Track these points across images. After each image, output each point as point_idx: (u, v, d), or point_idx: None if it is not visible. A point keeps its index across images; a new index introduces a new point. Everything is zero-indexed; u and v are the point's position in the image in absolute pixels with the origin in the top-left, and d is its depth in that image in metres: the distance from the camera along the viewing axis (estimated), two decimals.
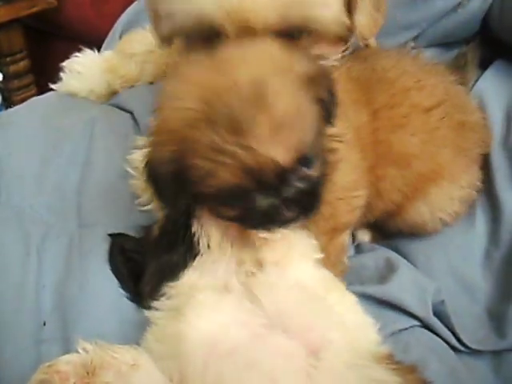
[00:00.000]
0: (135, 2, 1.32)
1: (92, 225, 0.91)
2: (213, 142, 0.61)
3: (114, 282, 0.82)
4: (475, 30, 1.11)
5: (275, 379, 0.61)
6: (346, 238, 0.91)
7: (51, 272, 0.85)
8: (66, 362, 0.62)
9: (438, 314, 0.86)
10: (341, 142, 0.74)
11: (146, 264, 0.76)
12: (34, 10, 1.67)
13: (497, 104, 1.01)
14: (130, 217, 0.92)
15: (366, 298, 0.85)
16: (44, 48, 1.91)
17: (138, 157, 0.95)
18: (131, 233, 0.87)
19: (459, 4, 1.06)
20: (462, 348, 0.84)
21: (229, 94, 0.61)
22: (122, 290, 0.81)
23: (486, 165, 0.98)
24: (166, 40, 0.85)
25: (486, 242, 0.95)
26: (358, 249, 1.02)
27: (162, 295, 0.71)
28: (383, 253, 0.97)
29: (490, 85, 1.05)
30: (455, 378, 0.78)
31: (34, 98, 1.21)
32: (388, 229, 0.99)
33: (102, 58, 1.18)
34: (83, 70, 1.16)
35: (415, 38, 1.10)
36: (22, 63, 1.77)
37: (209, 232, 0.71)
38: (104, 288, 0.81)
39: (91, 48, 1.20)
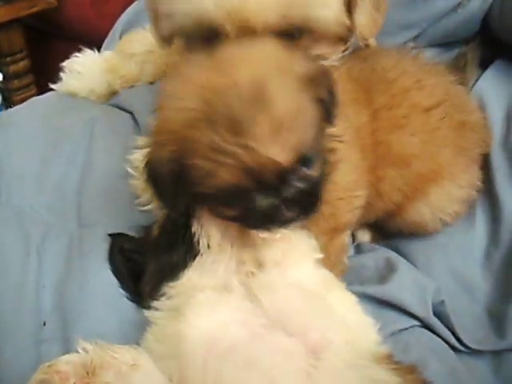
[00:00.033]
0: (135, 2, 1.33)
1: (92, 225, 0.91)
2: (213, 142, 0.61)
3: (113, 282, 0.82)
4: (475, 30, 1.11)
5: (275, 378, 0.61)
6: (346, 238, 0.91)
7: (51, 272, 0.85)
8: (66, 362, 0.62)
9: (438, 314, 0.86)
10: (341, 142, 0.74)
11: (146, 264, 0.76)
12: (34, 9, 1.67)
13: (497, 104, 1.01)
14: (130, 217, 0.92)
15: (365, 297, 0.85)
16: (44, 48, 1.91)
17: (138, 157, 0.95)
18: (131, 233, 0.87)
19: (459, 4, 1.06)
20: (462, 348, 0.84)
21: (229, 94, 0.61)
22: (121, 290, 0.81)
23: (486, 165, 0.98)
24: (166, 40, 0.85)
25: (486, 242, 0.95)
26: (358, 249, 1.02)
27: (162, 295, 0.71)
28: (383, 253, 0.97)
29: (490, 85, 1.05)
30: (455, 378, 0.78)
31: (34, 98, 1.21)
32: (388, 229, 0.99)
33: (102, 57, 1.18)
34: (83, 69, 1.16)
35: (415, 38, 1.11)
36: (22, 63, 1.77)
37: (209, 232, 0.71)
38: (104, 288, 0.81)
39: (91, 48, 1.20)
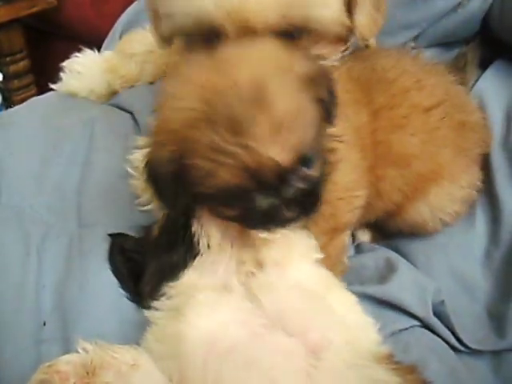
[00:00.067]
0: (135, 2, 1.33)
1: (92, 225, 0.91)
2: (213, 142, 0.61)
3: (113, 282, 0.82)
4: (475, 30, 1.11)
5: (275, 378, 0.61)
6: (346, 238, 0.91)
7: (51, 272, 0.85)
8: (66, 362, 0.62)
9: (438, 314, 0.86)
10: (341, 141, 0.74)
11: (146, 264, 0.76)
12: (34, 9, 1.67)
13: (497, 104, 1.01)
14: (130, 217, 0.92)
15: (366, 298, 0.85)
16: (44, 48, 1.91)
17: (138, 157, 0.96)
18: (131, 233, 0.87)
19: (459, 4, 1.06)
20: (462, 348, 0.84)
21: (229, 94, 0.61)
22: (121, 290, 0.81)
23: (486, 165, 0.98)
24: (165, 40, 0.85)
25: (486, 242, 0.95)
26: (358, 249, 1.02)
27: (162, 295, 0.71)
28: (383, 253, 0.97)
29: (490, 85, 1.05)
30: (455, 378, 0.78)
31: (34, 98, 1.21)
32: (388, 229, 0.99)
33: (102, 58, 1.18)
34: (83, 70, 1.16)
35: (415, 38, 1.11)
36: (22, 63, 1.77)
37: (209, 232, 0.71)
38: (104, 288, 0.81)
39: (91, 48, 1.20)
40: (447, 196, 0.92)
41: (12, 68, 1.76)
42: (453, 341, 0.84)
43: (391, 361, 0.67)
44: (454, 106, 0.92)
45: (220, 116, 0.60)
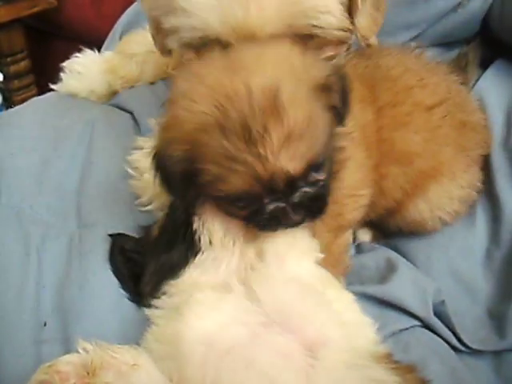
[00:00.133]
0: (135, 3, 1.32)
1: (92, 225, 0.91)
2: (224, 149, 0.61)
3: (114, 282, 0.82)
4: (475, 30, 1.11)
5: (273, 379, 0.61)
6: (349, 236, 0.91)
7: (51, 272, 0.85)
8: (67, 363, 0.62)
9: (439, 314, 0.86)
10: (348, 140, 0.74)
11: (146, 264, 0.76)
12: (35, 10, 1.67)
13: (497, 104, 1.01)
14: (130, 217, 0.92)
15: (366, 297, 0.85)
16: (44, 48, 1.91)
17: (138, 157, 0.96)
18: (131, 233, 0.87)
19: (459, 4, 1.06)
20: (463, 348, 0.84)
21: (243, 101, 0.61)
22: (122, 290, 0.81)
23: (486, 165, 0.97)
24: (167, 51, 0.85)
25: (487, 242, 0.95)
26: (359, 248, 1.02)
27: (163, 293, 0.71)
28: (384, 253, 0.97)
29: (490, 85, 1.04)
30: (456, 378, 0.78)
31: (35, 99, 1.21)
32: (388, 227, 0.99)
33: (103, 58, 1.18)
34: (83, 70, 1.16)
35: (415, 38, 1.10)
36: (22, 63, 1.77)
37: (211, 229, 0.72)
38: (104, 288, 0.81)
39: (91, 48, 1.20)
40: (446, 194, 0.92)
41: (12, 68, 1.76)
42: (453, 341, 0.84)
43: (390, 360, 0.67)
44: (456, 105, 0.92)
45: (232, 123, 0.60)
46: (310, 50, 0.71)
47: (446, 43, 1.14)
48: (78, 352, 0.64)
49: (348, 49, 0.83)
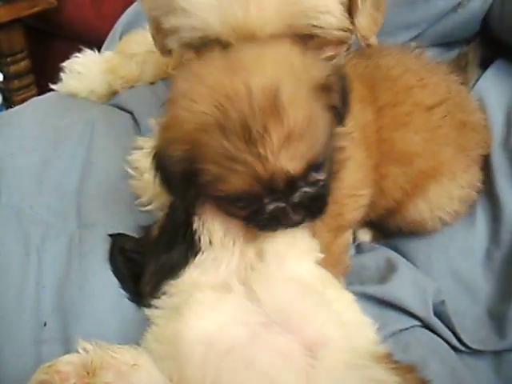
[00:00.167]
0: (135, 3, 1.32)
1: (92, 225, 0.91)
2: (224, 149, 0.61)
3: (114, 282, 0.82)
4: (475, 30, 1.11)
5: (274, 379, 0.61)
6: (349, 236, 0.91)
7: (51, 272, 0.85)
8: (67, 362, 0.62)
9: (439, 314, 0.86)
10: (348, 140, 0.74)
11: (146, 264, 0.76)
12: (35, 10, 1.67)
13: (497, 104, 1.01)
14: (130, 217, 0.92)
15: (366, 297, 0.85)
16: (44, 48, 1.91)
17: (138, 157, 0.96)
18: (131, 233, 0.87)
19: (459, 4, 1.06)
20: (463, 348, 0.84)
21: (242, 101, 0.61)
22: (122, 291, 0.81)
23: (486, 165, 0.97)
24: (167, 51, 0.85)
25: (487, 242, 0.95)
26: (359, 249, 1.02)
27: (163, 293, 0.71)
28: (384, 253, 0.97)
29: (490, 85, 1.04)
30: (456, 378, 0.78)
31: (35, 99, 1.21)
32: (388, 227, 0.99)
33: (103, 58, 1.18)
34: (83, 70, 1.16)
35: (415, 38, 1.10)
36: (22, 63, 1.77)
37: (211, 229, 0.72)
38: (104, 288, 0.81)
39: (91, 48, 1.20)
40: (446, 194, 0.92)
41: (12, 68, 1.76)
42: (453, 341, 0.84)
43: (390, 360, 0.67)
44: (456, 105, 0.92)
45: (232, 123, 0.61)
46: (310, 50, 0.71)
47: (446, 43, 1.14)
48: (78, 352, 0.64)
49: (348, 49, 0.83)
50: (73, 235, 0.90)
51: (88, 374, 0.61)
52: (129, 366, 0.63)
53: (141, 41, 1.13)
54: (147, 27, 1.04)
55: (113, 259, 0.83)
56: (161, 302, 0.71)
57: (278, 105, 0.61)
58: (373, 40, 0.84)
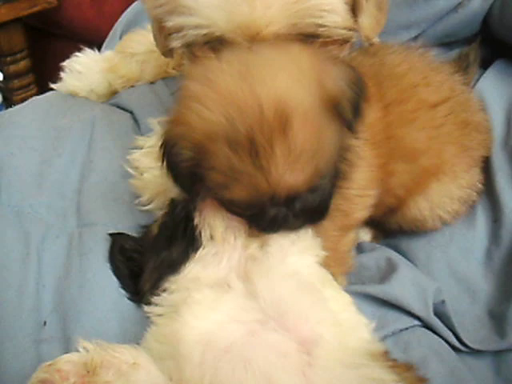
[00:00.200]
0: (135, 2, 1.33)
1: (92, 224, 0.91)
2: (229, 160, 0.61)
3: (114, 281, 0.82)
4: (476, 30, 1.11)
5: (271, 377, 0.61)
6: (355, 235, 0.91)
7: (51, 271, 0.85)
8: (67, 361, 0.62)
9: (439, 313, 0.86)
10: (357, 139, 0.74)
11: (146, 261, 0.76)
12: (35, 9, 1.67)
13: (497, 104, 1.01)
14: (129, 216, 0.92)
15: (366, 297, 0.85)
16: (44, 48, 1.91)
17: (138, 156, 0.96)
18: (131, 232, 0.87)
19: (460, 4, 1.06)
20: (463, 348, 0.84)
21: (252, 116, 0.61)
22: (122, 290, 0.81)
23: (486, 165, 0.97)
24: (169, 51, 0.85)
25: (487, 242, 0.95)
26: (359, 248, 1.01)
27: (163, 290, 0.71)
28: (384, 252, 0.97)
29: (490, 85, 1.04)
30: (456, 378, 0.78)
31: (35, 98, 1.21)
32: (389, 226, 0.98)
33: (103, 57, 1.18)
34: (84, 69, 1.17)
35: (415, 38, 1.10)
36: (22, 63, 1.77)
37: (212, 223, 0.72)
38: (104, 287, 0.81)
39: (91, 48, 1.20)
40: (447, 192, 0.91)
41: (12, 68, 1.76)
42: (453, 341, 0.84)
43: (387, 359, 0.67)
44: (460, 104, 0.92)
45: (240, 136, 0.61)
46: (322, 53, 0.71)
47: (446, 43, 1.14)
48: (78, 351, 0.64)
49: (350, 47, 0.83)
50: (73, 235, 0.90)
51: (88, 372, 0.61)
52: (129, 364, 0.63)
53: (141, 40, 1.13)
54: (148, 27, 1.05)
55: (113, 258, 0.84)
56: (161, 299, 0.71)
57: (287, 125, 0.61)
58: (375, 41, 0.84)
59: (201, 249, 0.71)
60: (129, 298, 0.80)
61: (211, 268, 0.70)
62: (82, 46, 1.19)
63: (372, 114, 0.82)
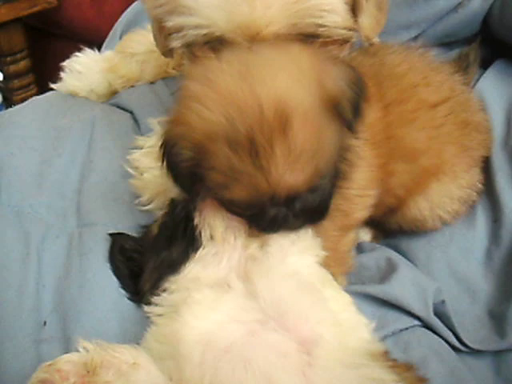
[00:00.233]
0: (135, 2, 1.33)
1: (92, 224, 0.91)
2: (229, 160, 0.61)
3: (114, 281, 0.82)
4: (475, 29, 1.11)
5: (271, 377, 0.61)
6: (355, 235, 0.91)
7: (51, 271, 0.85)
8: (67, 361, 0.62)
9: (439, 313, 0.86)
10: (357, 139, 0.74)
11: (146, 262, 0.76)
12: (35, 9, 1.67)
13: (497, 104, 1.01)
14: (129, 216, 0.92)
15: (366, 297, 0.85)
16: (44, 48, 1.91)
17: (138, 156, 0.96)
18: (131, 232, 0.87)
19: (460, 4, 1.06)
20: (463, 348, 0.84)
21: (252, 116, 0.61)
22: (122, 290, 0.81)
23: (487, 165, 0.97)
24: (169, 51, 0.85)
25: (487, 242, 0.95)
26: (359, 248, 1.01)
27: (164, 290, 0.71)
28: (384, 252, 0.97)
29: (490, 85, 1.04)
30: (456, 378, 0.78)
31: (35, 98, 1.21)
32: (389, 226, 0.99)
33: (103, 57, 1.18)
34: (84, 69, 1.17)
35: (415, 38, 1.10)
36: (22, 63, 1.77)
37: (212, 223, 0.72)
38: (104, 287, 0.81)
39: (91, 48, 1.20)
40: (447, 192, 0.91)
41: (12, 68, 1.76)
42: (453, 341, 0.84)
43: (387, 359, 0.67)
44: (460, 104, 0.92)
45: (240, 136, 0.61)
46: (322, 52, 0.71)
47: (446, 43, 1.14)
48: (78, 351, 0.64)
49: (350, 47, 0.83)
50: (73, 235, 0.90)
51: (88, 372, 0.61)
52: (129, 364, 0.63)
53: (141, 40, 1.13)
54: (148, 27, 1.04)
55: (113, 258, 0.84)
56: (161, 299, 0.71)
57: (287, 126, 0.61)
58: (375, 41, 0.84)
59: (201, 249, 0.71)
60: (129, 298, 0.80)
61: (211, 268, 0.70)
62: (82, 46, 1.19)
63: (372, 114, 0.82)
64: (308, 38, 0.73)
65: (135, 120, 1.10)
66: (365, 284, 0.89)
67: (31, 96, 1.25)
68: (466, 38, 1.12)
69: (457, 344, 0.84)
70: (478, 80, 1.06)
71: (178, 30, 0.73)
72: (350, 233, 0.86)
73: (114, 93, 1.19)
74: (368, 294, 0.85)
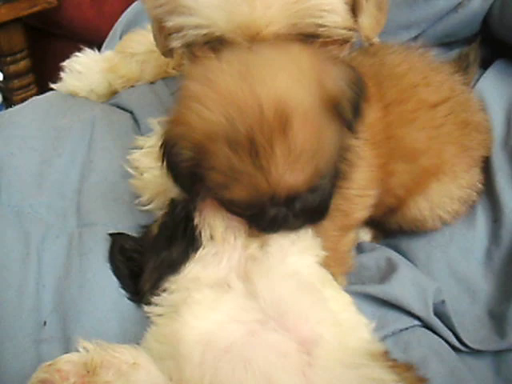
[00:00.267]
0: (135, 2, 1.33)
1: (92, 224, 0.91)
2: (229, 160, 0.61)
3: (114, 281, 0.82)
4: (475, 29, 1.11)
5: (271, 377, 0.61)
6: (355, 235, 0.91)
7: (51, 271, 0.85)
8: (67, 361, 0.62)
9: (439, 313, 0.86)
10: (357, 139, 0.74)
11: (146, 262, 0.76)
12: (35, 9, 1.67)
13: (497, 104, 1.01)
14: (129, 216, 0.92)
15: (366, 297, 0.85)
16: (44, 48, 1.91)
17: (138, 156, 0.96)
18: (131, 232, 0.87)
19: (460, 4, 1.06)
20: (463, 348, 0.84)
21: (252, 116, 0.61)
22: (122, 290, 0.81)
23: (487, 165, 0.97)
24: (169, 51, 0.85)
25: (487, 242, 0.95)
26: (359, 248, 1.02)
27: (164, 290, 0.71)
28: (384, 252, 0.97)
29: (490, 85, 1.04)
30: (456, 378, 0.78)
31: (35, 98, 1.21)
32: (389, 226, 0.99)
33: (103, 57, 1.18)
34: (84, 69, 1.17)
35: (415, 38, 1.10)
36: (22, 63, 1.77)
37: (212, 223, 0.72)
38: (104, 287, 0.82)
39: (91, 48, 1.20)
40: (447, 192, 0.91)
41: (12, 68, 1.76)
42: (453, 341, 0.84)
43: (387, 359, 0.67)
44: (460, 104, 0.92)
45: (240, 136, 0.61)
46: (322, 52, 0.71)
47: (446, 43, 1.14)
48: (78, 351, 0.64)
49: (350, 47, 0.83)
50: (73, 235, 0.90)
51: (88, 372, 0.61)
52: (129, 364, 0.63)
53: (141, 40, 1.13)
54: (148, 27, 1.04)
55: (113, 258, 0.84)
56: (161, 299, 0.71)
57: (287, 126, 0.61)
58: (375, 41, 0.84)
59: (201, 249, 0.71)
60: (129, 298, 0.80)
61: (211, 268, 0.70)
62: (82, 46, 1.19)
63: (372, 114, 0.82)
64: (308, 37, 0.73)
65: (135, 120, 1.10)
66: (365, 284, 0.89)
67: (31, 96, 1.25)
68: (465, 38, 1.12)
69: (457, 344, 0.84)
70: (478, 80, 1.06)
71: (178, 30, 0.73)
72: (350, 233, 0.87)
73: (114, 93, 1.19)
74: (368, 293, 0.85)
